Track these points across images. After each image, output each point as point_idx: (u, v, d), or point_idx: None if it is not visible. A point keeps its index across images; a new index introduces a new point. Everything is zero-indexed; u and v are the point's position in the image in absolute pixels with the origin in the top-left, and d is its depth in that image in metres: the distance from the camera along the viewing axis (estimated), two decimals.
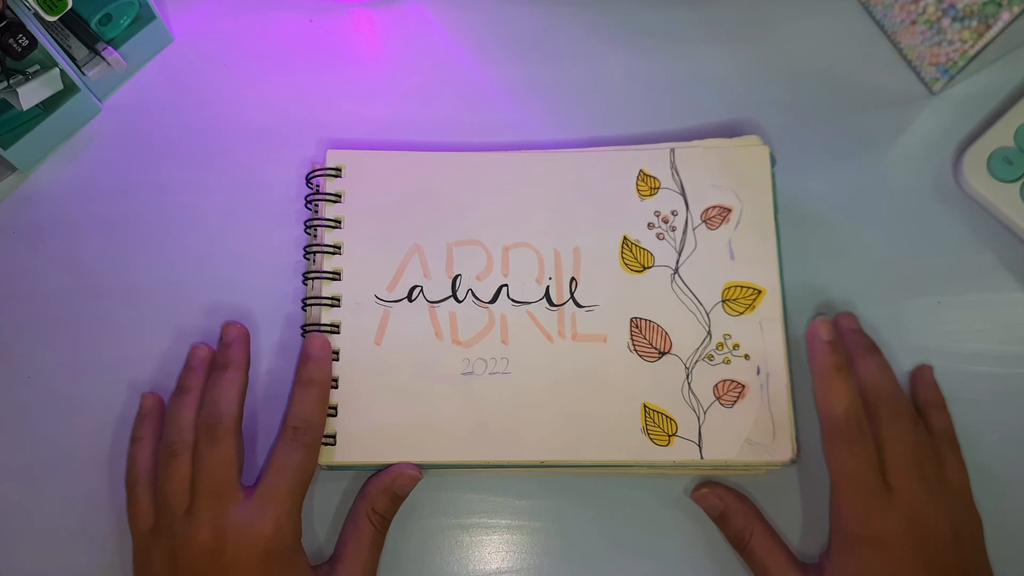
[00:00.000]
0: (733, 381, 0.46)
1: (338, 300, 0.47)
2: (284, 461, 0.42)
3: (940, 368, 0.48)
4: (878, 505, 0.41)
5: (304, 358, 0.46)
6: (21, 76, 0.47)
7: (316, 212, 0.49)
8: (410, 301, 0.48)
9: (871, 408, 0.44)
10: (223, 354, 0.46)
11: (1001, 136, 0.50)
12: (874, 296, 0.50)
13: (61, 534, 0.46)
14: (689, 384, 0.46)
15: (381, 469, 0.46)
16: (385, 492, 0.44)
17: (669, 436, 0.45)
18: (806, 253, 0.50)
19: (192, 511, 0.41)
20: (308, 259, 0.49)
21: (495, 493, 0.47)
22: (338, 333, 0.47)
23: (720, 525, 0.46)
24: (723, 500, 0.45)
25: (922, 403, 0.46)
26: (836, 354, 0.45)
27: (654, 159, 0.49)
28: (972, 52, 0.49)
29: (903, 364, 0.48)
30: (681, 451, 0.45)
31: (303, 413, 0.44)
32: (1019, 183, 0.50)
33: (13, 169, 0.52)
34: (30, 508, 0.47)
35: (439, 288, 0.48)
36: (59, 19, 0.45)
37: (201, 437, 0.43)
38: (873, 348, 0.47)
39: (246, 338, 0.47)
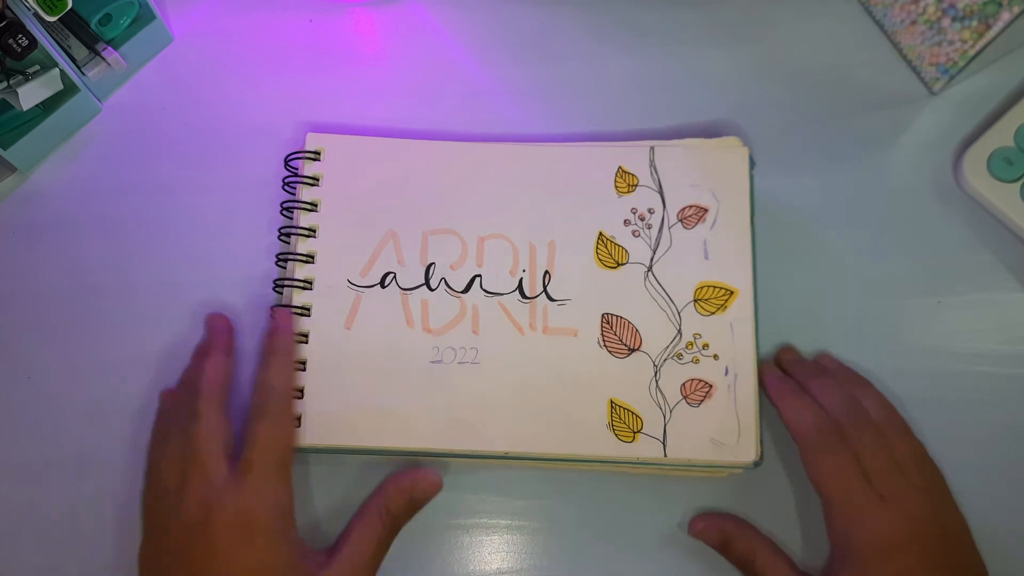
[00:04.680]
0: (701, 380, 0.46)
1: (310, 283, 0.47)
2: (255, 434, 0.42)
3: (940, 368, 0.48)
4: (875, 512, 0.41)
5: (268, 333, 0.46)
6: (21, 76, 0.47)
7: (294, 194, 0.49)
8: (382, 287, 0.48)
9: (835, 426, 0.44)
10: (206, 342, 0.48)
11: (1001, 136, 0.50)
12: (874, 296, 0.50)
13: (61, 534, 0.46)
14: (657, 382, 0.46)
15: (344, 453, 0.46)
16: (403, 493, 0.44)
17: (634, 433, 0.45)
18: (806, 253, 0.50)
19: (181, 487, 0.42)
20: (284, 241, 0.49)
21: (495, 493, 0.47)
22: (308, 316, 0.47)
23: (723, 552, 0.45)
24: (722, 531, 0.45)
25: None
26: (786, 380, 0.46)
27: (633, 156, 0.49)
28: (972, 52, 0.49)
29: (903, 364, 0.48)
30: (645, 448, 0.45)
31: (266, 381, 0.44)
32: (1019, 183, 0.50)
33: (13, 169, 0.52)
34: (29, 508, 0.47)
35: (412, 275, 0.48)
36: (59, 19, 0.45)
37: (183, 416, 0.44)
38: (819, 371, 0.47)
39: (228, 327, 0.48)
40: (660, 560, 0.46)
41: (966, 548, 0.42)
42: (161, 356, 0.49)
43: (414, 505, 0.45)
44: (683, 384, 0.46)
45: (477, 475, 0.47)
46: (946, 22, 0.50)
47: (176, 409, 0.45)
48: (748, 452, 0.44)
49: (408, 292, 0.47)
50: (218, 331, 0.48)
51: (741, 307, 0.47)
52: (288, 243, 0.49)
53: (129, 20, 0.52)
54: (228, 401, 0.45)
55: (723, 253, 0.47)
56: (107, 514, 0.47)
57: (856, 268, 0.50)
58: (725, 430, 0.45)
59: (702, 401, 0.45)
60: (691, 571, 0.46)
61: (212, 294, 0.50)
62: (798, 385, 0.46)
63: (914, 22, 0.52)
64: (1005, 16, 0.47)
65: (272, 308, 0.47)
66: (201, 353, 0.47)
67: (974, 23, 0.48)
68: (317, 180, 0.49)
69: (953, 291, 0.50)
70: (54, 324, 0.49)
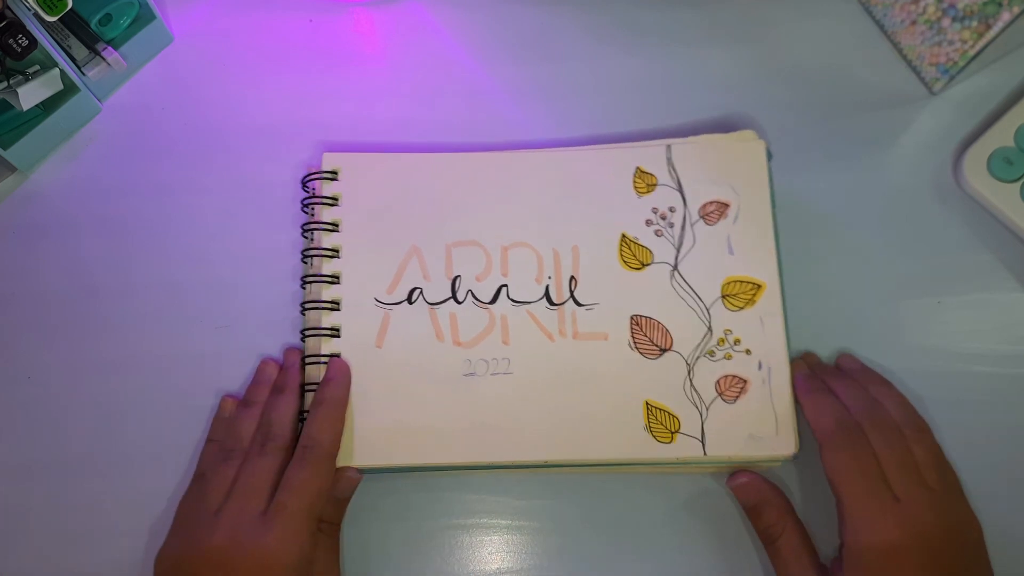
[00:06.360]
0: (735, 376, 0.46)
1: (338, 304, 0.47)
2: (292, 479, 0.43)
3: (940, 368, 0.48)
4: (889, 514, 0.41)
5: (322, 381, 0.46)
6: (21, 76, 0.47)
7: (312, 215, 0.49)
8: (410, 303, 0.47)
9: (855, 425, 0.44)
10: (282, 377, 0.48)
11: (1001, 136, 0.50)
12: (874, 296, 0.50)
13: (60, 534, 0.46)
14: (691, 380, 0.46)
15: (384, 472, 0.46)
16: (328, 500, 0.44)
17: (672, 433, 0.45)
18: (806, 253, 0.50)
19: (220, 510, 0.42)
20: (306, 263, 0.49)
21: (495, 493, 0.47)
22: (339, 336, 0.47)
23: (751, 516, 0.45)
24: (761, 493, 0.45)
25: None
26: (814, 379, 0.46)
27: (650, 156, 0.49)
28: (972, 52, 0.49)
29: (903, 364, 0.48)
30: (684, 448, 0.45)
31: (310, 431, 0.44)
32: (1019, 183, 0.50)
33: (13, 169, 0.52)
34: (29, 508, 0.47)
35: (439, 290, 0.48)
36: (59, 19, 0.45)
37: (254, 447, 0.44)
38: (840, 373, 0.47)
39: (301, 365, 0.48)
40: (661, 559, 0.46)
41: (976, 553, 0.42)
42: (160, 357, 0.49)
43: (341, 505, 0.46)
44: (717, 381, 0.46)
45: (477, 475, 0.47)
46: (946, 22, 0.50)
47: (242, 429, 0.45)
48: (787, 445, 0.45)
49: (436, 307, 0.47)
50: (293, 368, 0.47)
51: (769, 300, 0.47)
52: (309, 264, 0.49)
53: (129, 20, 0.52)
54: (294, 442, 0.45)
55: (747, 247, 0.47)
56: (108, 514, 0.47)
57: (856, 268, 0.50)
58: (763, 425, 0.45)
59: (737, 397, 0.45)
60: (693, 570, 0.46)
61: (212, 295, 0.50)
62: (824, 384, 0.46)
63: (914, 22, 0.52)
64: (1005, 16, 0.47)
65: (330, 359, 0.46)
66: (276, 388, 0.47)
67: (974, 23, 0.48)
68: (336, 200, 0.49)
69: (953, 291, 0.50)
70: (54, 324, 0.49)
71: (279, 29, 0.55)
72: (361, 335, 0.47)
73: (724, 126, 0.52)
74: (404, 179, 0.49)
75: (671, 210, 0.48)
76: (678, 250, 0.48)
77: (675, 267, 0.48)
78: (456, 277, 0.48)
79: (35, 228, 0.51)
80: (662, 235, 0.48)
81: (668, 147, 0.49)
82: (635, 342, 0.47)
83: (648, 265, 0.48)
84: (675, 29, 0.55)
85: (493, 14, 0.55)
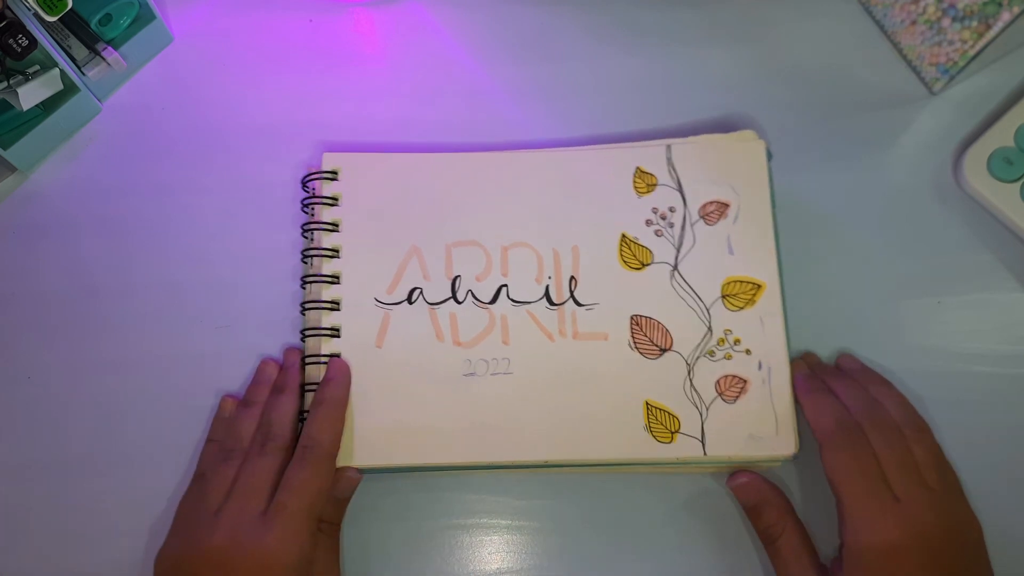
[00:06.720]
0: (735, 376, 0.46)
1: (338, 304, 0.47)
2: (292, 479, 0.43)
3: (940, 368, 0.48)
4: (889, 514, 0.41)
5: (322, 381, 0.46)
6: (21, 76, 0.47)
7: (312, 215, 0.49)
8: (410, 303, 0.47)
9: (855, 425, 0.44)
10: (282, 377, 0.48)
11: (1001, 136, 0.50)
12: (874, 296, 0.50)
13: (60, 534, 0.46)
14: (691, 380, 0.46)
15: (384, 472, 0.46)
16: (328, 500, 0.44)
17: (672, 433, 0.45)
18: (806, 253, 0.50)
19: (220, 510, 0.42)
20: (306, 263, 0.49)
21: (495, 493, 0.47)
22: (339, 336, 0.47)
23: (751, 516, 0.46)
24: (761, 493, 0.45)
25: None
26: (814, 379, 0.46)
27: (650, 156, 0.49)
28: (972, 52, 0.49)
29: (903, 364, 0.49)
30: (684, 448, 0.45)
31: (310, 431, 0.44)
32: (1019, 183, 0.50)
33: (13, 169, 0.52)
34: (29, 508, 0.47)
35: (439, 289, 0.48)
36: (59, 19, 0.45)
37: (254, 447, 0.44)
38: (840, 373, 0.47)
39: (301, 365, 0.47)
40: (661, 559, 0.46)
41: (976, 553, 0.42)
42: (161, 356, 0.49)
43: (341, 505, 0.46)
44: (717, 381, 0.46)
45: (477, 475, 0.47)
46: (946, 22, 0.50)
47: (243, 429, 0.45)
48: (787, 445, 0.45)
49: (436, 307, 0.47)
50: (293, 368, 0.47)
51: (769, 300, 0.47)
52: (309, 264, 0.49)
53: (129, 20, 0.52)
54: (294, 442, 0.45)
55: (747, 247, 0.47)
56: (108, 514, 0.47)
57: (856, 268, 0.50)
58: (763, 425, 0.45)
59: (737, 397, 0.45)
60: (693, 570, 0.46)
61: (212, 296, 0.50)
62: (824, 384, 0.46)
63: (914, 22, 0.52)
64: (1005, 16, 0.47)
65: (330, 359, 0.47)
66: (276, 388, 0.47)
67: (974, 23, 0.48)
68: (336, 200, 0.49)
69: (953, 291, 0.50)
70: (54, 324, 0.49)
71: (279, 29, 0.55)
72: (361, 335, 0.47)
73: (724, 126, 0.52)
74: (404, 179, 0.49)
75: (671, 210, 0.48)
76: (678, 250, 0.48)
77: (675, 267, 0.48)
78: (456, 277, 0.48)
79: (35, 228, 0.51)
80: (662, 235, 0.48)
81: (668, 147, 0.49)
82: (635, 342, 0.47)
83: (648, 265, 0.48)
84: (675, 29, 0.55)
85: (493, 14, 0.55)
